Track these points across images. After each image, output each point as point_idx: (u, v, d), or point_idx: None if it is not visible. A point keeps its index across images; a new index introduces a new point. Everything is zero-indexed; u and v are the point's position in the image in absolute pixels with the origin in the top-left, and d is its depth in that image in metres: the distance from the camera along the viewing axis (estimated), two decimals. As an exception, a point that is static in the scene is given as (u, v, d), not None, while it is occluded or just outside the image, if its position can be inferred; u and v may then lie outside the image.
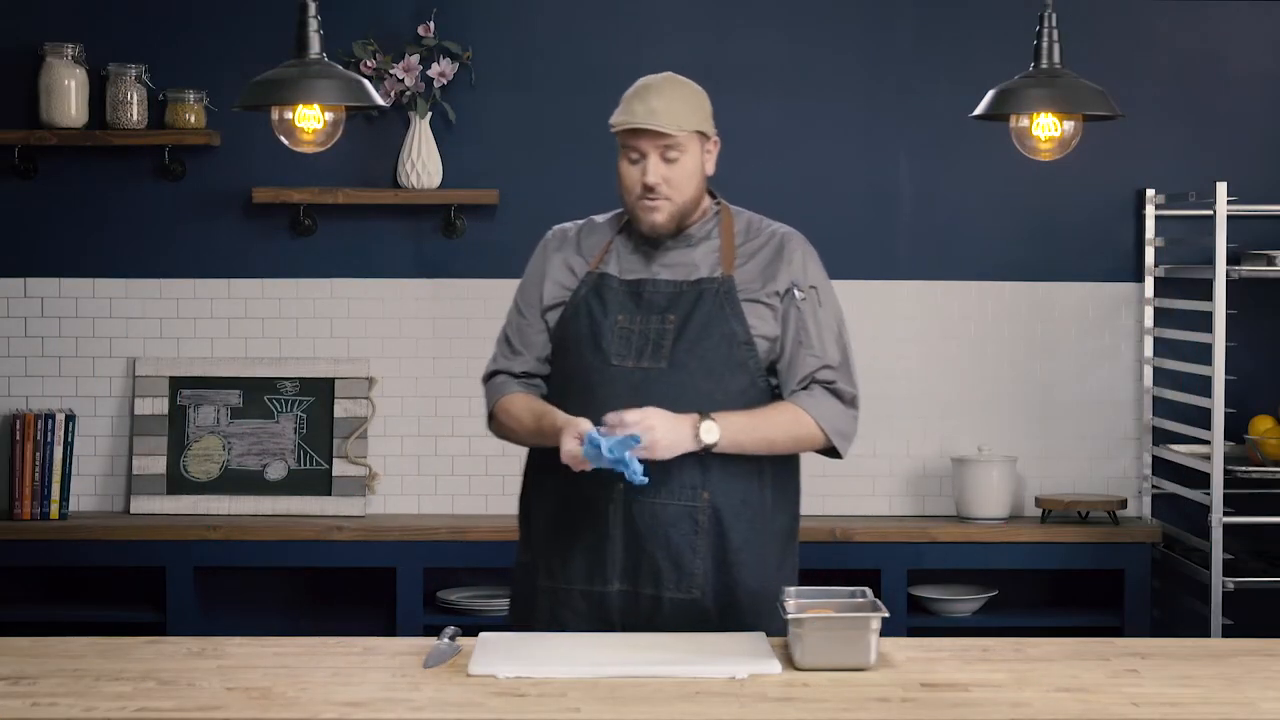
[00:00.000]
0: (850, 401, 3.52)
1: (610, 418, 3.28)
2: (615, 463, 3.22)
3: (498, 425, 3.59)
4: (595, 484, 3.37)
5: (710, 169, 3.51)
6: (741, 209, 3.58)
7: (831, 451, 3.52)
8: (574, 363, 3.47)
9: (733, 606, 3.43)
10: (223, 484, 5.40)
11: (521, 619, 3.52)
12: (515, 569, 3.61)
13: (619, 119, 3.45)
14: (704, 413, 3.36)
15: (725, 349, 3.43)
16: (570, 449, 3.28)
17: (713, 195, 3.57)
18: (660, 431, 3.29)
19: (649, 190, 3.42)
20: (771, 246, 3.51)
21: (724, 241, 3.50)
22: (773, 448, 3.45)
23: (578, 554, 3.42)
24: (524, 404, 3.51)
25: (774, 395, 3.49)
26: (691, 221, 3.50)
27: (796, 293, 3.48)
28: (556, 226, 3.63)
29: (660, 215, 3.44)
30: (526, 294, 3.58)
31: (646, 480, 3.25)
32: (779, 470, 3.52)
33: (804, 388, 3.47)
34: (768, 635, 3.21)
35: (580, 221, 3.62)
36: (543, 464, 3.50)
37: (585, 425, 3.29)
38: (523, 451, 3.63)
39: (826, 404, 3.48)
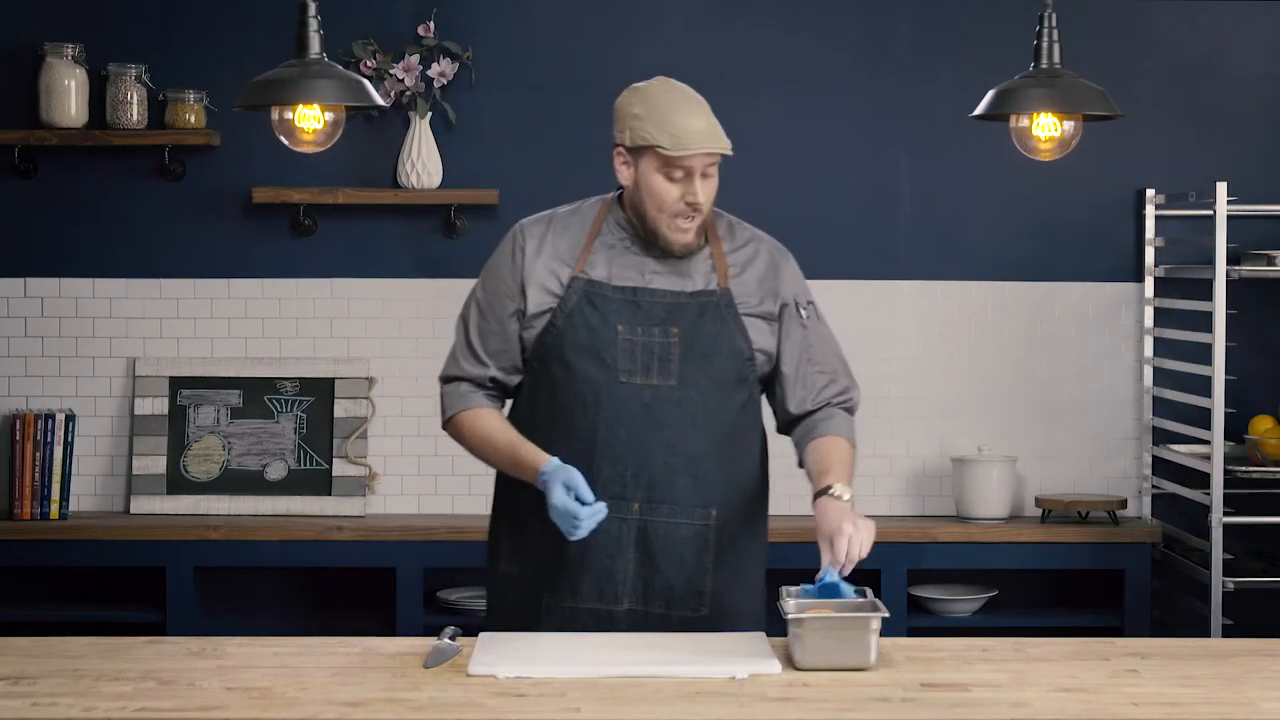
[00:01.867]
0: (855, 410, 3.59)
1: (833, 557, 3.23)
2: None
3: (458, 434, 3.51)
4: (609, 503, 3.30)
5: None
6: (718, 210, 3.50)
7: None
8: (576, 376, 3.37)
9: (737, 619, 3.42)
10: (223, 484, 5.40)
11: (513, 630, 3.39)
12: (498, 577, 3.53)
13: (679, 144, 3.31)
14: (841, 485, 3.36)
15: (733, 365, 3.41)
16: (561, 502, 3.23)
17: None
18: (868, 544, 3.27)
19: (693, 208, 3.34)
20: (763, 260, 3.48)
21: (715, 250, 3.44)
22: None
23: (588, 573, 3.37)
24: (495, 427, 3.43)
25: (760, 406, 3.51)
26: None
27: (800, 311, 3.48)
28: (524, 223, 3.49)
29: (691, 234, 3.38)
30: (496, 299, 3.45)
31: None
32: (764, 484, 3.54)
33: (821, 409, 3.49)
34: (768, 635, 3.21)
35: (544, 215, 3.50)
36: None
37: (574, 476, 3.25)
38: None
39: (850, 426, 3.54)
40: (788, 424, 3.52)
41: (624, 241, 3.43)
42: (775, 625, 3.22)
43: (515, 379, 3.47)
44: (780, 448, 3.61)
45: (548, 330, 3.39)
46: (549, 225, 3.47)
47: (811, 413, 3.49)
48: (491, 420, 3.45)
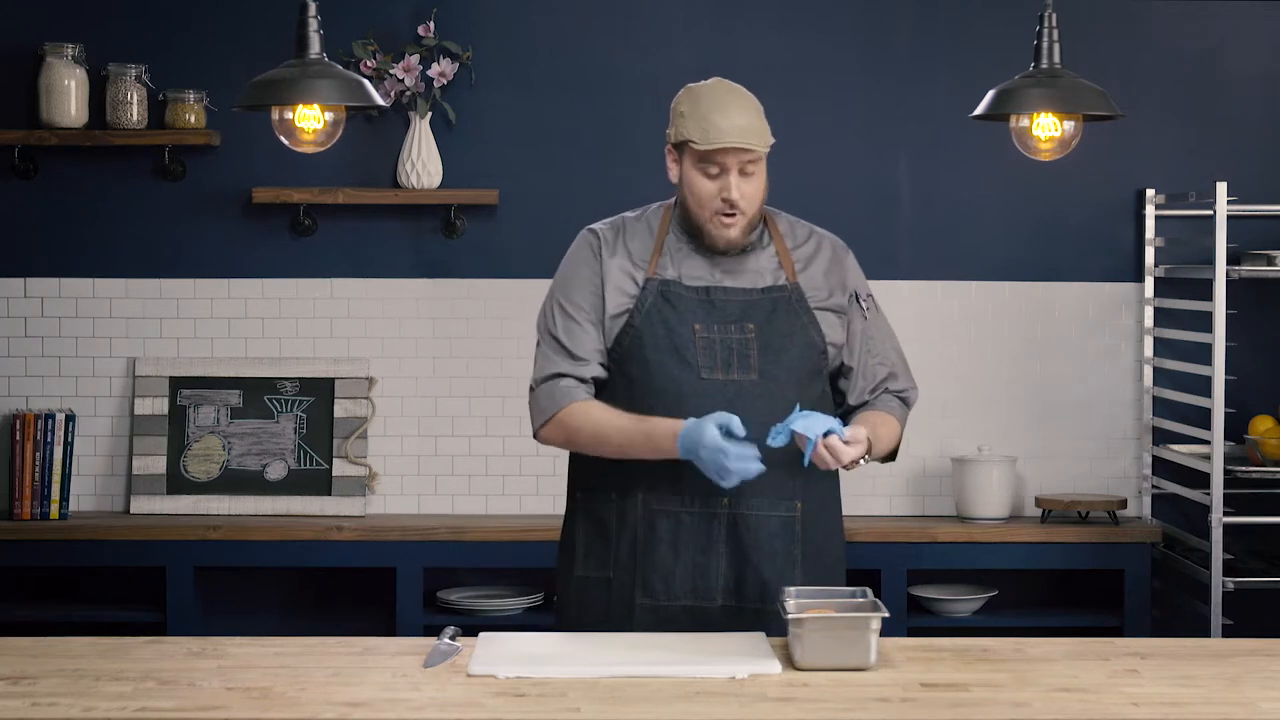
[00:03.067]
0: (911, 406, 3.63)
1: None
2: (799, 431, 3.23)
3: (567, 429, 3.43)
4: (695, 500, 3.36)
5: None
6: (775, 209, 3.56)
7: (891, 455, 3.57)
8: (656, 374, 3.40)
9: None
10: (223, 484, 5.40)
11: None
12: (576, 582, 3.50)
13: (707, 138, 3.36)
14: (868, 437, 3.36)
15: (808, 357, 3.46)
16: (712, 439, 3.20)
17: None
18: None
19: (730, 205, 3.39)
20: (826, 253, 3.55)
21: (778, 246, 3.50)
22: (874, 455, 3.45)
23: (681, 571, 3.40)
24: (614, 411, 3.39)
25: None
26: None
27: (861, 302, 3.55)
28: (595, 227, 3.52)
29: (735, 230, 3.42)
30: (577, 298, 3.46)
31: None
32: (838, 477, 3.55)
33: (876, 396, 3.55)
34: (768, 635, 3.21)
35: (613, 221, 3.54)
36: (626, 479, 3.42)
37: (725, 417, 3.24)
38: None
39: (903, 413, 3.58)
40: (845, 414, 3.56)
41: (690, 244, 3.48)
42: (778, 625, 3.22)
43: (604, 378, 3.47)
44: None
45: (625, 331, 3.43)
46: (619, 229, 3.51)
47: (868, 401, 3.56)
48: (605, 408, 3.41)
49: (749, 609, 3.41)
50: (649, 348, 3.41)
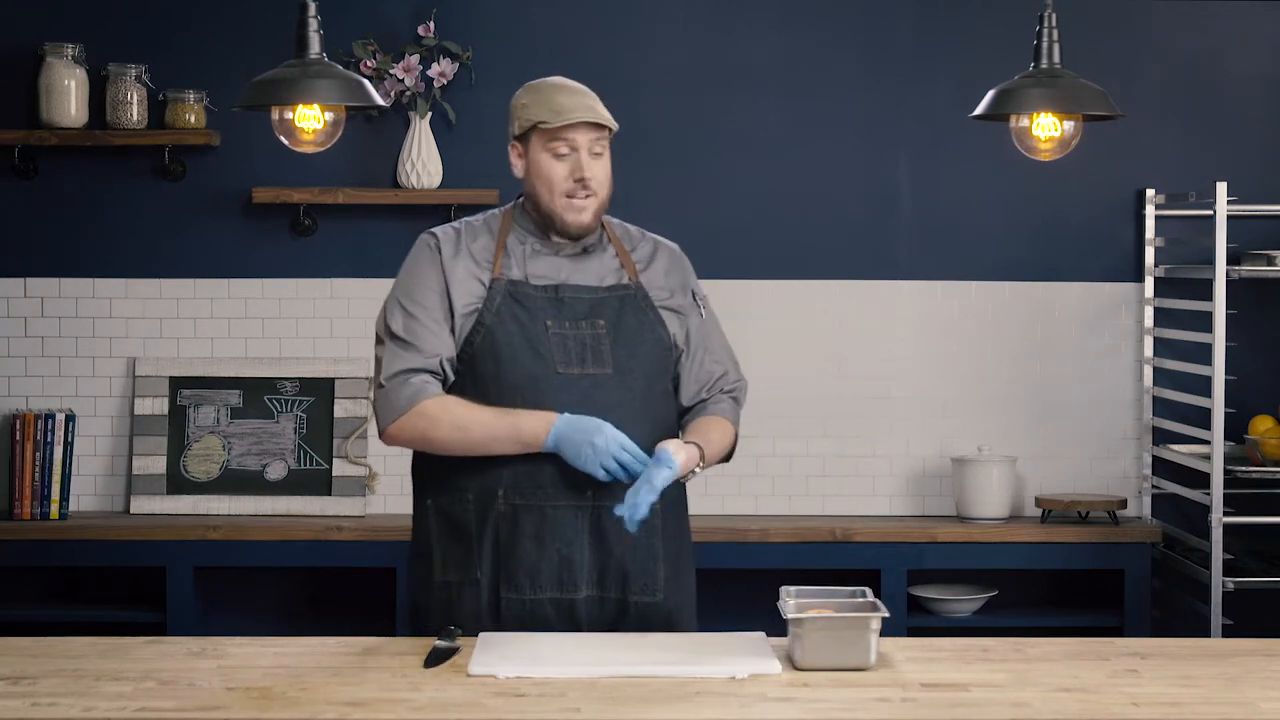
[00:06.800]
0: (742, 403, 3.63)
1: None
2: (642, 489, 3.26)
3: (425, 424, 3.38)
4: (559, 493, 3.37)
5: None
6: (610, 217, 3.56)
7: (726, 457, 3.60)
8: (510, 371, 3.38)
9: (684, 607, 3.49)
10: (223, 484, 5.40)
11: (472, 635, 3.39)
12: (438, 588, 3.44)
13: (558, 116, 3.38)
14: (684, 440, 3.43)
15: (657, 354, 3.48)
16: (611, 448, 3.26)
17: None
18: (682, 453, 3.34)
19: (582, 184, 3.40)
20: (664, 256, 3.56)
21: (617, 248, 3.52)
22: (708, 463, 3.49)
23: (546, 564, 3.38)
24: (475, 405, 3.37)
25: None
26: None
27: (699, 302, 3.57)
28: (435, 229, 3.52)
29: (588, 214, 3.43)
30: (420, 298, 3.42)
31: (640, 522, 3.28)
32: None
33: (711, 397, 3.56)
34: (767, 635, 3.21)
35: (456, 225, 3.54)
36: (483, 478, 3.40)
37: (611, 432, 3.28)
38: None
39: (736, 413, 3.59)
40: (680, 413, 3.57)
41: (532, 244, 3.49)
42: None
43: (453, 377, 3.45)
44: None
45: (475, 330, 3.41)
46: (460, 231, 3.52)
47: (704, 401, 3.57)
48: (465, 402, 3.39)
49: (611, 599, 3.41)
50: (503, 344, 3.39)
